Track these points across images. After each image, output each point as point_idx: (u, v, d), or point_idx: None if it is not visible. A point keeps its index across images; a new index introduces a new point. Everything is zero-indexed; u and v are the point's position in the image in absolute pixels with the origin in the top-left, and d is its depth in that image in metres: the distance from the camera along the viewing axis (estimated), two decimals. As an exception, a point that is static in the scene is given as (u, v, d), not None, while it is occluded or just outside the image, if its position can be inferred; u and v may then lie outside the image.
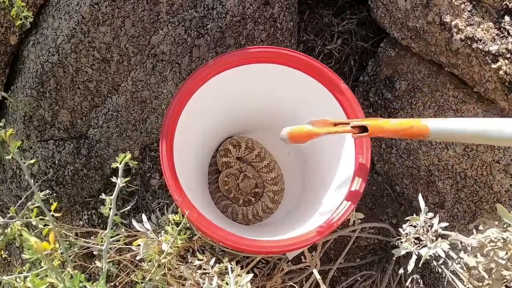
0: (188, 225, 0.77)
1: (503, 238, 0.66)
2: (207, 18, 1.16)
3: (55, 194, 1.26)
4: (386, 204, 1.32)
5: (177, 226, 0.69)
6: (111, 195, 1.31)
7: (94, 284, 0.57)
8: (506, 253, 0.64)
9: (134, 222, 0.85)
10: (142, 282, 0.79)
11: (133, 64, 1.17)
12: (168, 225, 0.77)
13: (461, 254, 0.90)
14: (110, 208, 0.61)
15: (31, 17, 0.81)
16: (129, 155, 0.59)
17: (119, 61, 1.16)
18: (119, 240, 0.84)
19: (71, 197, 1.30)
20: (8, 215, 0.74)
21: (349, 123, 0.78)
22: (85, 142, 1.25)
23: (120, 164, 0.59)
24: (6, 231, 0.78)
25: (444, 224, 0.95)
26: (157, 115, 1.29)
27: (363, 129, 0.76)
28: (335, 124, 0.80)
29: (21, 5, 0.76)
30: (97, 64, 1.15)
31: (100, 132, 1.25)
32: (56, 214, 0.57)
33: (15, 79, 1.25)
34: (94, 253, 1.10)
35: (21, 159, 0.57)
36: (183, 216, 0.74)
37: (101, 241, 0.63)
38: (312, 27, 1.29)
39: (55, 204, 0.58)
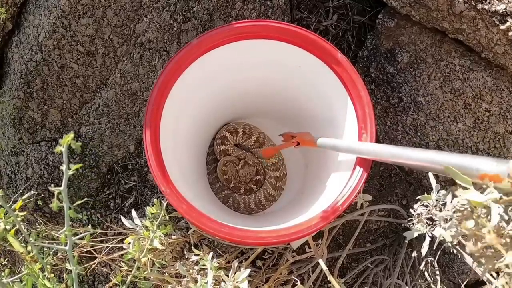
0: (167, 217, 0.72)
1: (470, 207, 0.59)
2: (192, 1, 1.10)
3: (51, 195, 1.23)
4: (395, 185, 1.25)
5: (156, 220, 0.64)
6: (109, 193, 1.27)
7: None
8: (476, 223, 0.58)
9: (122, 219, 0.81)
10: (141, 282, 0.75)
11: (120, 55, 1.12)
12: (147, 220, 0.72)
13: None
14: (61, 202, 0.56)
15: (3, 14, 0.76)
16: (71, 135, 0.53)
17: (104, 53, 1.11)
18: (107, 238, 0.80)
19: (68, 198, 1.27)
20: None
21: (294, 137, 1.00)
22: (77, 140, 1.21)
23: (63, 147, 0.52)
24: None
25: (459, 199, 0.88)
26: (150, 107, 1.24)
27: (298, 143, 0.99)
28: (293, 136, 1.01)
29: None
30: (82, 59, 1.10)
31: (92, 129, 1.21)
32: (20, 214, 0.53)
33: (2, 82, 1.22)
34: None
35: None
36: (168, 209, 0.69)
37: (65, 241, 0.59)
38: (306, 4, 1.22)
39: (19, 202, 0.54)
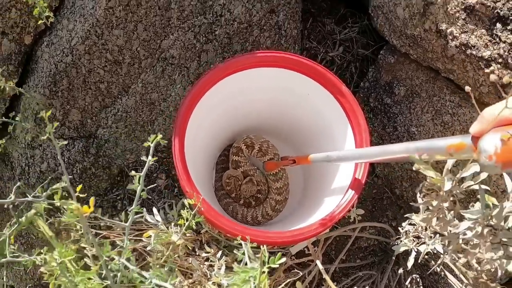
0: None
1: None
2: (215, 25, 1.22)
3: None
4: (386, 207, 1.35)
5: (189, 218, 0.72)
6: (118, 194, 1.34)
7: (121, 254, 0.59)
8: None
9: (145, 214, 0.88)
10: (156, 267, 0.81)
11: (144, 67, 1.22)
12: (178, 219, 0.80)
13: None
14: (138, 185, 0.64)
15: (52, 18, 0.86)
16: (160, 136, 0.64)
17: (130, 63, 1.21)
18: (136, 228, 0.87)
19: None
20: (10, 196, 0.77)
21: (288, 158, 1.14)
22: (94, 141, 1.29)
23: (152, 143, 0.64)
24: (20, 219, 0.82)
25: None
26: (164, 117, 1.33)
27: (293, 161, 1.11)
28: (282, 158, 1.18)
29: (43, 5, 0.81)
30: (109, 66, 1.20)
31: (109, 132, 1.29)
32: (81, 195, 0.60)
33: (27, 78, 1.30)
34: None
35: (56, 142, 0.60)
36: (192, 208, 0.77)
37: (126, 219, 0.67)
38: (315, 34, 1.35)
39: (80, 186, 0.61)
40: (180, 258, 0.85)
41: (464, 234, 0.74)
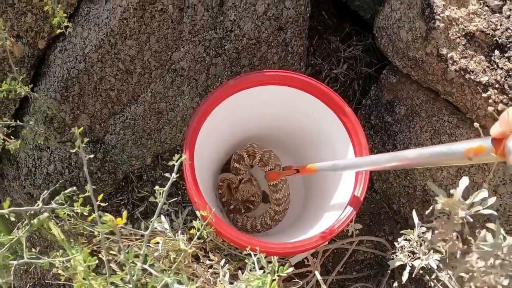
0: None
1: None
2: (225, 40, 1.26)
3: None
4: (383, 222, 1.38)
5: (200, 228, 0.75)
6: (122, 199, 1.36)
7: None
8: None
9: (156, 223, 0.91)
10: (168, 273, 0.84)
11: (154, 77, 1.26)
12: (184, 227, 0.84)
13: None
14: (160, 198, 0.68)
15: (70, 28, 0.90)
16: (184, 156, 0.68)
17: (141, 73, 1.25)
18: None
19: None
20: (37, 204, 0.80)
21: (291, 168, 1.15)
22: (101, 146, 1.32)
23: (176, 162, 0.68)
24: (32, 221, 0.85)
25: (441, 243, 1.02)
26: (171, 126, 1.37)
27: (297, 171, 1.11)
28: (283, 169, 1.20)
29: (63, 15, 0.85)
30: (120, 75, 1.23)
31: (116, 138, 1.32)
32: (102, 204, 0.63)
33: (38, 81, 1.33)
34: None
35: (83, 154, 0.64)
36: (200, 218, 0.81)
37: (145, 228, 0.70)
38: (320, 51, 1.40)
39: (101, 195, 0.65)
40: (185, 265, 0.88)
41: (476, 262, 0.77)
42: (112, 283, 0.60)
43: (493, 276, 0.74)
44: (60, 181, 1.26)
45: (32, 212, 0.70)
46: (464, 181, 0.72)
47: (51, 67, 1.29)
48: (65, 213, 0.70)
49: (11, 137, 1.07)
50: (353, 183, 1.02)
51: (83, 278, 0.57)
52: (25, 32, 1.19)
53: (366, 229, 1.37)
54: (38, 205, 0.68)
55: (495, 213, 0.72)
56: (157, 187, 0.67)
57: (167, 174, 0.69)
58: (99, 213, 0.61)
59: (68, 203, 0.82)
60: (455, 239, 0.84)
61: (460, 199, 0.72)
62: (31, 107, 1.35)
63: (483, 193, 0.70)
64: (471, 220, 0.76)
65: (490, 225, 0.75)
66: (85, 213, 0.68)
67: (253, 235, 1.26)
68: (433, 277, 1.13)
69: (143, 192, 1.36)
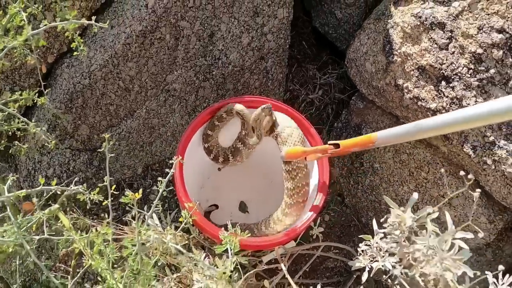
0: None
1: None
2: (213, 66, 1.43)
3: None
4: (353, 234, 1.51)
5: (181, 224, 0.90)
6: (113, 204, 1.48)
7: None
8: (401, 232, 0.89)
9: (148, 219, 1.04)
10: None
11: (149, 95, 1.42)
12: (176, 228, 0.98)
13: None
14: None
15: (85, 51, 1.04)
16: (180, 157, 0.82)
17: (138, 91, 1.41)
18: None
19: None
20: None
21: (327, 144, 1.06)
22: (97, 155, 1.46)
23: (174, 161, 0.82)
24: (43, 212, 0.97)
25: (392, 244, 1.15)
26: (162, 140, 1.51)
27: (336, 146, 1.03)
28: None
29: (80, 41, 0.99)
30: (120, 92, 1.39)
31: (112, 148, 1.46)
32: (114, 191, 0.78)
33: (43, 92, 1.48)
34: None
35: (108, 152, 0.77)
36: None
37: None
38: (298, 78, 1.58)
39: (114, 186, 0.79)
40: (171, 256, 1.00)
41: (414, 253, 0.93)
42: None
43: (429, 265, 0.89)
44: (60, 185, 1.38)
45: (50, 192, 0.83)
46: (414, 196, 0.93)
47: (57, 80, 1.43)
48: (85, 198, 0.84)
49: (15, 142, 1.21)
50: (315, 192, 1.16)
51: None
52: (37, 48, 1.35)
53: (337, 241, 1.50)
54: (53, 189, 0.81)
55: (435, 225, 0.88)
56: (160, 178, 0.81)
57: (166, 170, 0.82)
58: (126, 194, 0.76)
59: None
60: (402, 241, 1.00)
61: (409, 211, 0.89)
62: (35, 114, 1.48)
63: (429, 209, 0.87)
64: (417, 228, 0.92)
65: (428, 226, 0.90)
66: (100, 200, 0.82)
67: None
68: (388, 276, 1.25)
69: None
